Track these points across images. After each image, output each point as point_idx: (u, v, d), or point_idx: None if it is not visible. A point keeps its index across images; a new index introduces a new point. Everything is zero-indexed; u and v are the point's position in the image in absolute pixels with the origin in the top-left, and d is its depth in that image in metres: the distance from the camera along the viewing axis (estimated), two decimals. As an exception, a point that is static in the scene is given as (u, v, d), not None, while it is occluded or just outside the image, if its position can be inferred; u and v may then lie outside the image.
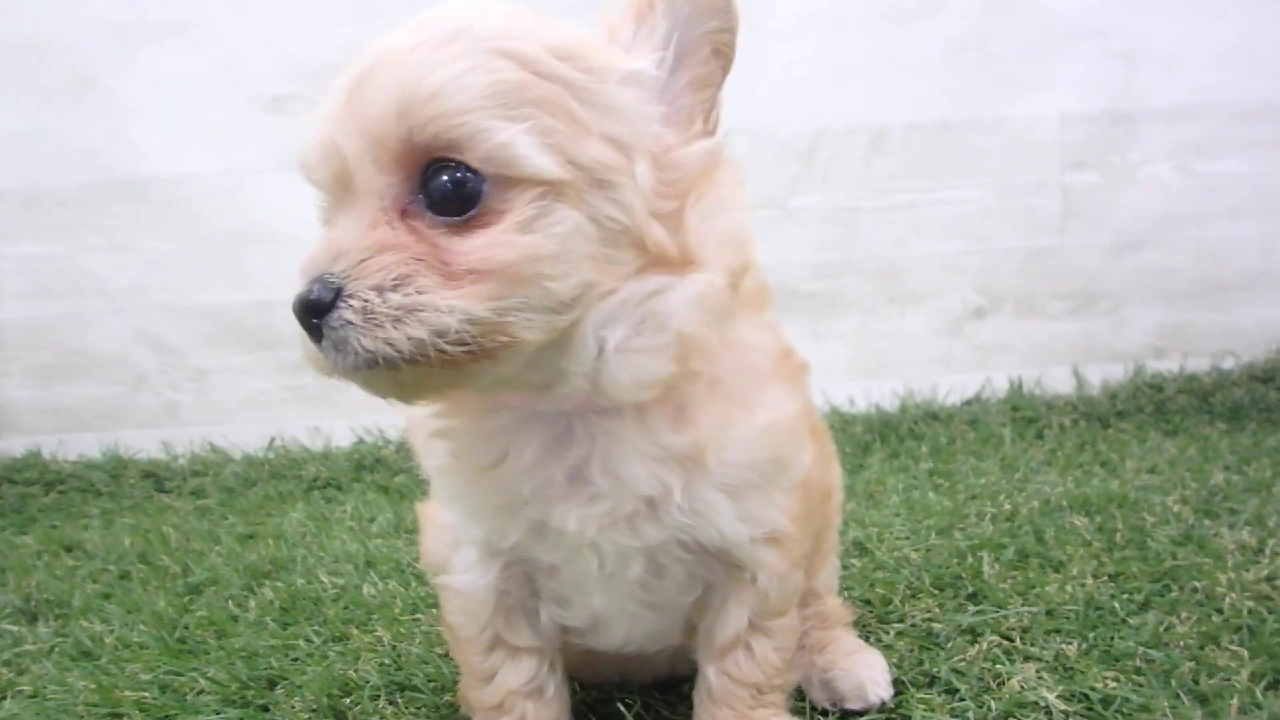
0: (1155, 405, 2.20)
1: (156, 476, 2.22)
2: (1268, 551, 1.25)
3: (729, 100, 0.73)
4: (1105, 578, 1.22)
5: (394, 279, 0.60)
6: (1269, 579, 1.16)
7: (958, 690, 0.96)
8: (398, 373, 0.61)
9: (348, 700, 1.03)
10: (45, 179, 2.26)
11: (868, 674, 0.95)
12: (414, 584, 1.41)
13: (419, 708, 1.02)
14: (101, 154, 2.25)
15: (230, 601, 1.40)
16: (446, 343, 0.60)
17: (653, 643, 0.89)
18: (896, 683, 0.97)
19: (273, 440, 2.33)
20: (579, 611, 0.83)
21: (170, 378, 2.33)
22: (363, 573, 1.48)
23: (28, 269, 2.31)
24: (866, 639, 1.08)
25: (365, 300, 0.60)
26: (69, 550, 1.77)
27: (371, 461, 2.21)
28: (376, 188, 0.63)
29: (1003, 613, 1.12)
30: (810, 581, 0.98)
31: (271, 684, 1.11)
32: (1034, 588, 1.20)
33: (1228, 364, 2.30)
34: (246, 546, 1.69)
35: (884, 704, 0.94)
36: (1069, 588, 1.19)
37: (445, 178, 0.61)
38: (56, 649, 1.28)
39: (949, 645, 1.07)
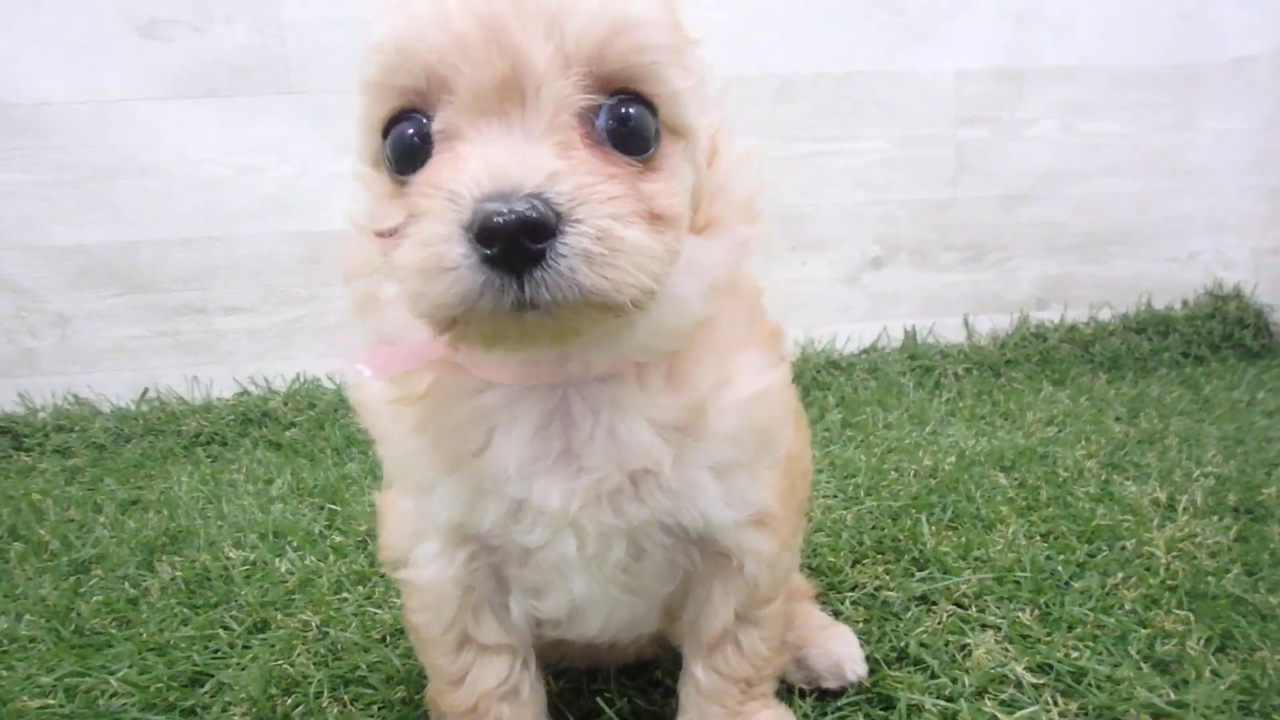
0: (1041, 354, 2.31)
1: (14, 433, 2.00)
2: (1179, 509, 1.32)
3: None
4: (1037, 538, 1.27)
5: (630, 212, 0.54)
6: (1191, 537, 1.22)
7: (929, 666, 0.96)
8: (574, 316, 0.54)
9: (289, 700, 0.95)
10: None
11: (843, 651, 0.93)
12: (333, 558, 1.32)
13: (369, 704, 0.95)
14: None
15: (126, 583, 1.27)
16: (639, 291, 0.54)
17: (628, 631, 0.85)
18: (867, 659, 0.96)
19: (145, 392, 2.13)
20: (557, 600, 0.77)
21: (27, 323, 2.08)
22: (272, 545, 1.37)
23: None
24: (823, 610, 1.07)
25: (602, 230, 0.52)
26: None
27: (258, 415, 2.06)
28: (569, 105, 0.55)
29: (952, 579, 1.14)
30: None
31: (194, 682, 1.01)
32: (973, 550, 1.22)
33: (1104, 315, 2.43)
34: (133, 515, 1.54)
35: (860, 682, 0.93)
36: (1007, 550, 1.22)
37: (636, 112, 0.58)
38: (-76, 647, 1.13)
39: (906, 615, 1.07)
